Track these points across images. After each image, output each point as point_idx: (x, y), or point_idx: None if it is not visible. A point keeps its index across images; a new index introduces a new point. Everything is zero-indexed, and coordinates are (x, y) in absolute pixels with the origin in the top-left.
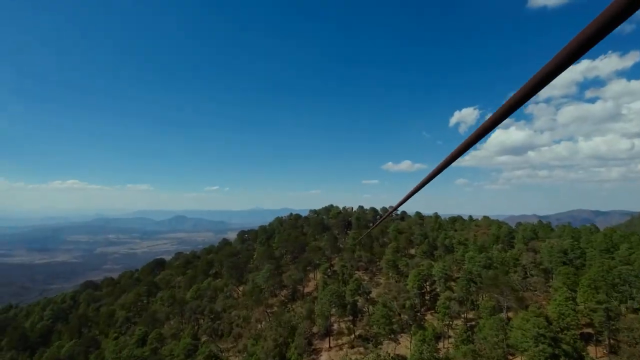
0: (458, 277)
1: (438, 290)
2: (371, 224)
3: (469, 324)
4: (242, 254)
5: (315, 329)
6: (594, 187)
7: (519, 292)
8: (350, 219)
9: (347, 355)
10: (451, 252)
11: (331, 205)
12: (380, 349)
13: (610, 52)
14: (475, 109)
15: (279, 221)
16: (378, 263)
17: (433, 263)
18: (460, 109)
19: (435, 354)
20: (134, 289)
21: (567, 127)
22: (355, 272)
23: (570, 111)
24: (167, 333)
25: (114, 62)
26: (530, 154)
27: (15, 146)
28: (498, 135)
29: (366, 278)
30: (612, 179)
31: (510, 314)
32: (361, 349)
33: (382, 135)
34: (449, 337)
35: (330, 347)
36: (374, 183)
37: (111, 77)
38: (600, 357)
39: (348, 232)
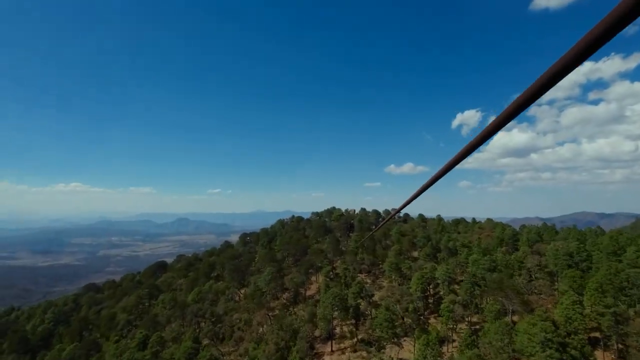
0: (462, 280)
1: (441, 293)
2: (374, 227)
3: (473, 327)
4: (244, 256)
5: (317, 333)
6: (597, 189)
7: (524, 296)
8: (352, 221)
9: None
10: (455, 254)
11: (333, 208)
12: (383, 353)
13: (613, 53)
14: (477, 111)
15: (281, 223)
16: (381, 266)
17: (436, 266)
18: (462, 111)
19: (439, 358)
20: (135, 291)
21: (571, 129)
22: (358, 275)
23: (573, 113)
24: (168, 336)
25: (116, 65)
26: (534, 156)
27: (19, 149)
28: (501, 138)
29: (369, 281)
30: (616, 181)
31: (515, 318)
32: (364, 353)
33: (384, 138)
34: (453, 341)
35: (332, 350)
36: (376, 185)
37: (113, 80)
38: None
39: (350, 234)
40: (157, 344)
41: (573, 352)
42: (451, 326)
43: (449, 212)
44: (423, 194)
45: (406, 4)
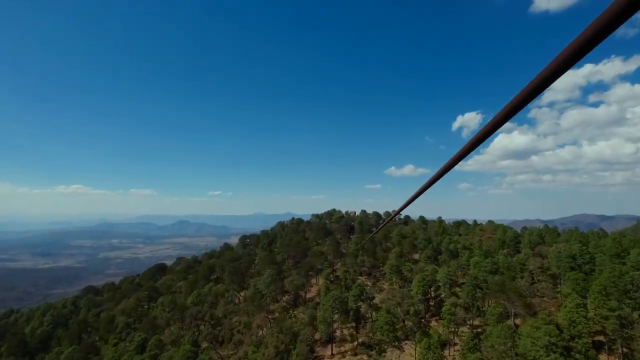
0: (463, 283)
1: (443, 296)
2: (374, 229)
3: (475, 331)
4: (244, 258)
5: (317, 336)
6: (598, 192)
7: (527, 299)
8: (352, 223)
9: None
10: (456, 257)
11: (334, 210)
12: (384, 356)
13: (613, 56)
14: (477, 113)
15: (281, 226)
16: (381, 268)
17: (437, 268)
18: (463, 114)
19: None
20: (134, 294)
21: (571, 131)
22: (358, 277)
23: (573, 115)
24: (167, 339)
25: (117, 68)
26: (534, 158)
27: (20, 152)
28: (501, 140)
29: (369, 283)
30: (616, 183)
31: (517, 321)
32: (364, 357)
33: (385, 140)
34: (455, 344)
35: (332, 354)
36: (376, 188)
37: (114, 83)
38: None
39: (351, 236)
40: (155, 347)
41: (577, 356)
42: (453, 329)
43: (450, 215)
44: (423, 195)
45: (406, 5)
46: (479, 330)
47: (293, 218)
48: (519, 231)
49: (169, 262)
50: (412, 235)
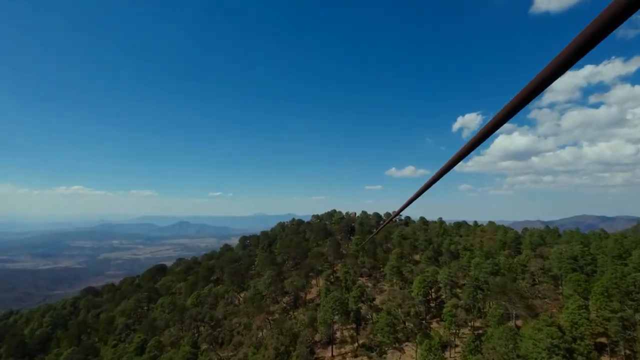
0: (464, 284)
1: (444, 297)
2: (374, 230)
3: (476, 332)
4: (244, 259)
5: (317, 337)
6: (599, 193)
7: (528, 300)
8: (353, 224)
9: None
10: (457, 258)
11: (334, 211)
12: (385, 358)
13: (613, 57)
14: (478, 114)
15: (281, 226)
16: (382, 269)
17: (438, 269)
18: (463, 115)
19: None
20: (134, 295)
21: (571, 132)
22: (359, 278)
23: (574, 116)
24: (166, 341)
25: (117, 69)
26: (534, 159)
27: (21, 153)
28: (501, 141)
29: (370, 285)
30: (617, 185)
31: (519, 322)
32: (365, 358)
33: (386, 141)
34: (456, 346)
35: (332, 356)
36: (377, 189)
37: (115, 84)
38: None
39: (351, 237)
40: (155, 348)
41: (579, 358)
42: (454, 331)
43: (450, 216)
44: (423, 196)
45: (406, 5)
46: (480, 331)
47: (293, 219)
48: (520, 232)
49: (169, 263)
50: (412, 236)
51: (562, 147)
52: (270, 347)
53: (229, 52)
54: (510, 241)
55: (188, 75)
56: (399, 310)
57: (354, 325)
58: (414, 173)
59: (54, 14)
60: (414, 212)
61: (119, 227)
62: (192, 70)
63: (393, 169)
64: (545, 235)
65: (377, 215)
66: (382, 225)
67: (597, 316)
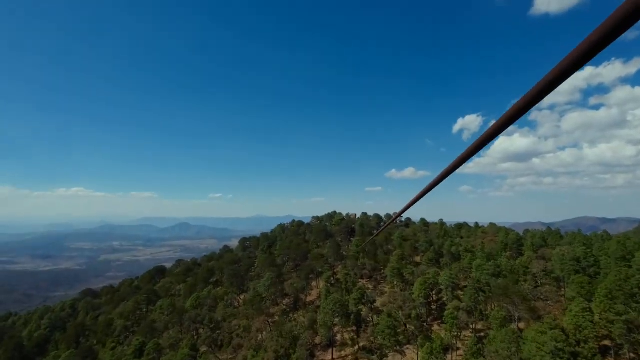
0: (465, 286)
1: (445, 299)
2: (375, 231)
3: (478, 335)
4: (243, 261)
5: (317, 340)
6: (599, 194)
7: (531, 302)
8: (353, 225)
9: None
10: (458, 259)
11: (334, 212)
12: None
13: (613, 58)
14: (478, 115)
15: (281, 228)
16: (382, 271)
17: (439, 271)
18: (463, 116)
19: None
20: (133, 297)
21: (572, 134)
22: (359, 280)
23: (574, 118)
24: (165, 343)
25: (119, 70)
26: (535, 160)
27: (22, 154)
28: (502, 142)
29: (370, 287)
30: (618, 186)
31: (521, 325)
32: None
33: (386, 143)
34: (458, 349)
35: (333, 358)
36: (377, 190)
37: (117, 85)
38: None
39: (351, 239)
40: (153, 351)
41: None
42: (455, 333)
43: (451, 217)
44: (424, 198)
45: (406, 9)
46: (482, 334)
47: (293, 220)
48: (521, 234)
49: (169, 265)
50: (413, 237)
51: (563, 148)
52: (270, 349)
53: (229, 57)
54: (512, 243)
55: (188, 79)
56: (400, 312)
57: (354, 328)
58: (414, 175)
59: (58, 23)
60: (414, 214)
61: (119, 228)
62: (192, 74)
63: (393, 170)
64: (547, 237)
65: (377, 216)
66: (383, 227)
67: (601, 319)
